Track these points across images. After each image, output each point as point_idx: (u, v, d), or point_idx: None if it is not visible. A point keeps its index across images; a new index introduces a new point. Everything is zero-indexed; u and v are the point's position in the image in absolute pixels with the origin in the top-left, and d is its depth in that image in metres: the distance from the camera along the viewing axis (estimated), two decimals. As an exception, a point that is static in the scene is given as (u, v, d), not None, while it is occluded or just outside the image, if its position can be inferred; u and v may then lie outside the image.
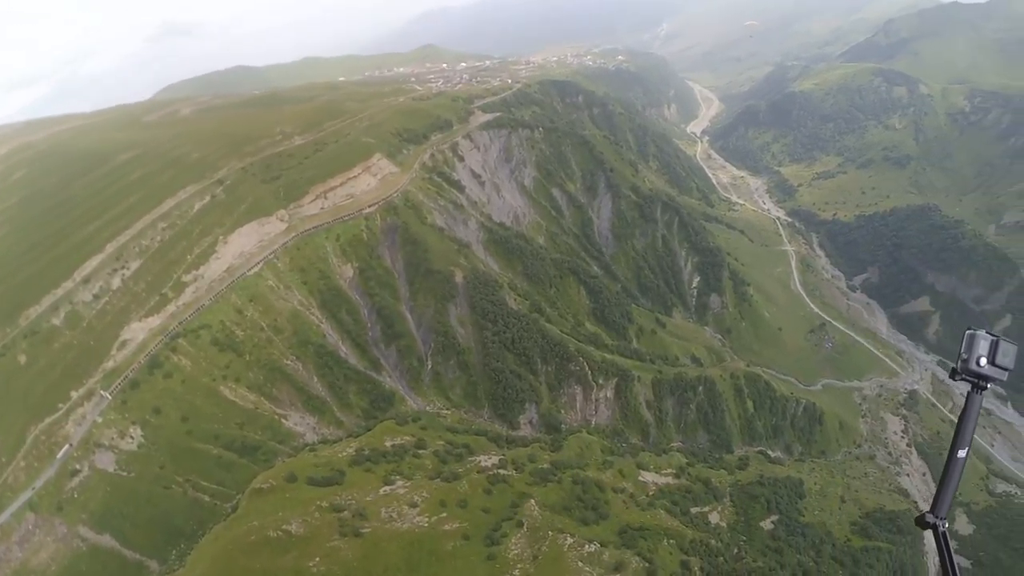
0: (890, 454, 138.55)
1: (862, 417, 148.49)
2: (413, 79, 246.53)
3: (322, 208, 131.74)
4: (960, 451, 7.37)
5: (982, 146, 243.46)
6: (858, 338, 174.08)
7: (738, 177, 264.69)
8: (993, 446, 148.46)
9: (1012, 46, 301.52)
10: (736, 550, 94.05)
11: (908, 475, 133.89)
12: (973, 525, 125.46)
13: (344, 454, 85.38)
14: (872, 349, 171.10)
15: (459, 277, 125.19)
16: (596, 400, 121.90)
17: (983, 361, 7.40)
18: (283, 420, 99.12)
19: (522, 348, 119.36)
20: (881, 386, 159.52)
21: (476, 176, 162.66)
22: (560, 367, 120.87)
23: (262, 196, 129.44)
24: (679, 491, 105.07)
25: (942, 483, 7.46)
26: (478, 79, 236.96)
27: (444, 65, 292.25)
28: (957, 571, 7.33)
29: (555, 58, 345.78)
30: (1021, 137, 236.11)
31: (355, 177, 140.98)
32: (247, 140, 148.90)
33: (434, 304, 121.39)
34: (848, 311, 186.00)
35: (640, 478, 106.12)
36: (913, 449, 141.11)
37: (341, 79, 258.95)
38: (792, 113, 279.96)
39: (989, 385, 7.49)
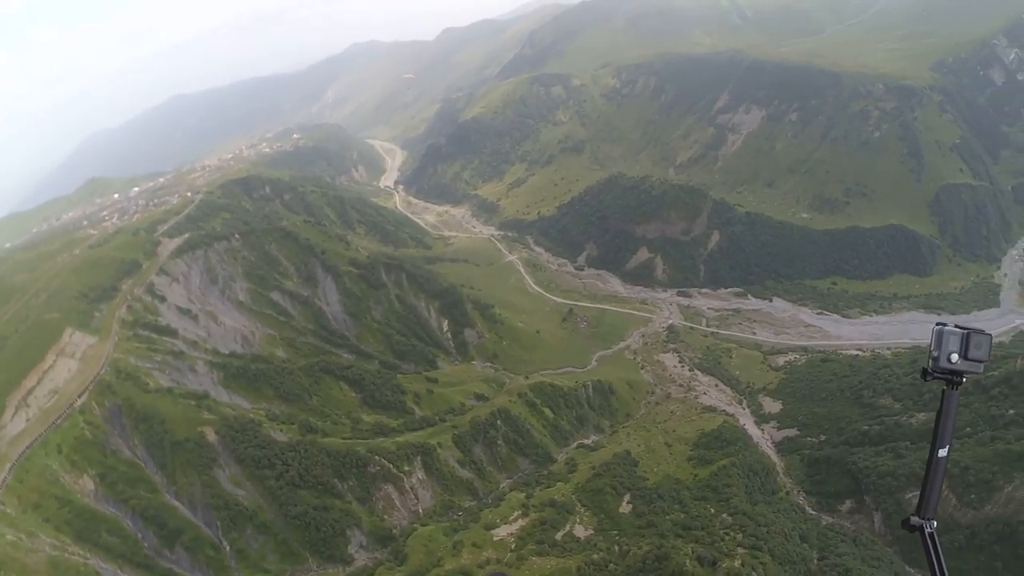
0: (681, 386, 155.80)
1: (642, 369, 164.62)
2: (85, 222, 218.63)
3: (27, 420, 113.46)
4: (940, 450, 7.58)
5: (640, 111, 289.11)
6: (604, 306, 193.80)
7: (443, 213, 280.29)
8: (755, 333, 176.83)
9: (640, 22, 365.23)
10: (617, 548, 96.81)
11: (705, 393, 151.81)
12: (779, 401, 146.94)
13: None
14: (620, 310, 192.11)
15: (211, 436, 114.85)
16: (411, 488, 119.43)
17: (955, 357, 7.50)
18: None
19: (312, 478, 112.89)
20: (643, 335, 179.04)
21: (186, 312, 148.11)
22: (360, 476, 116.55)
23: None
24: (535, 527, 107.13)
25: (925, 484, 7.72)
26: (155, 202, 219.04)
27: (116, 196, 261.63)
28: (944, 572, 7.61)
29: (231, 155, 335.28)
30: (668, 93, 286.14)
31: (51, 367, 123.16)
32: None
33: (198, 478, 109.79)
34: (585, 288, 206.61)
35: (495, 537, 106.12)
36: (696, 371, 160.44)
37: (7, 245, 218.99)
38: (471, 139, 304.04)
39: (964, 379, 7.61)
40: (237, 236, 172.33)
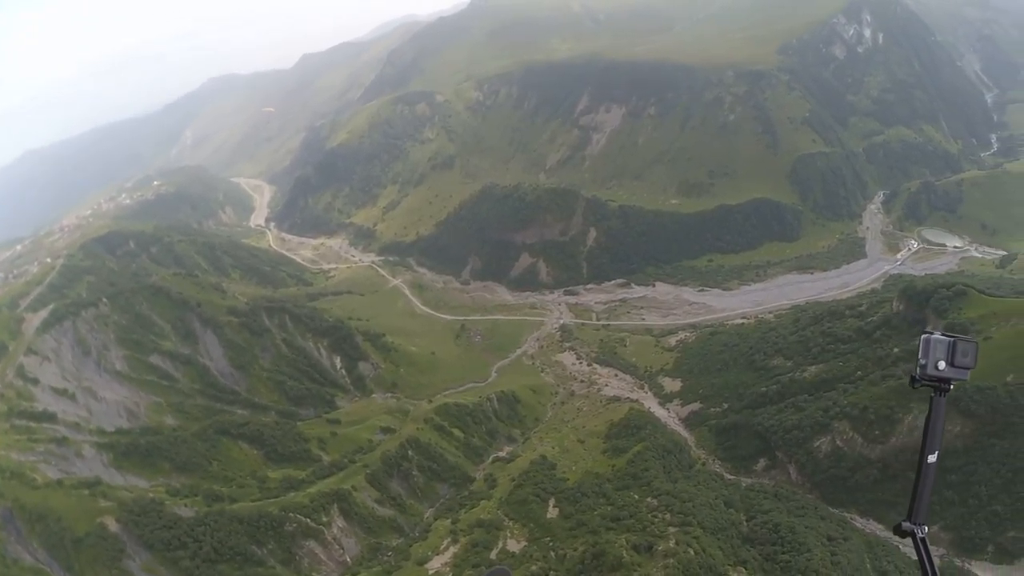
0: (582, 382, 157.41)
1: (542, 372, 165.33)
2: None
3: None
4: (930, 456, 7.64)
5: (505, 120, 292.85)
6: (496, 317, 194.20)
7: (319, 245, 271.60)
8: (644, 319, 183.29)
9: (498, 34, 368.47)
10: (553, 554, 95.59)
11: (606, 385, 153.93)
12: (678, 379, 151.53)
13: None
14: (511, 317, 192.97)
15: (112, 525, 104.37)
16: (334, 539, 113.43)
17: (942, 364, 7.57)
18: None
19: (228, 550, 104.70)
20: (538, 339, 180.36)
21: (62, 392, 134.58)
22: (279, 537, 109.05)
23: None
24: (468, 551, 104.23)
25: (916, 490, 7.71)
26: (14, 273, 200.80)
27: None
28: (936, 574, 7.63)
29: (89, 211, 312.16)
30: (531, 100, 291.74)
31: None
32: None
33: (108, 574, 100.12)
34: (474, 302, 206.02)
35: (430, 571, 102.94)
36: (594, 365, 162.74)
37: None
38: (339, 166, 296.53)
39: (952, 386, 7.67)
40: (105, 300, 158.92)
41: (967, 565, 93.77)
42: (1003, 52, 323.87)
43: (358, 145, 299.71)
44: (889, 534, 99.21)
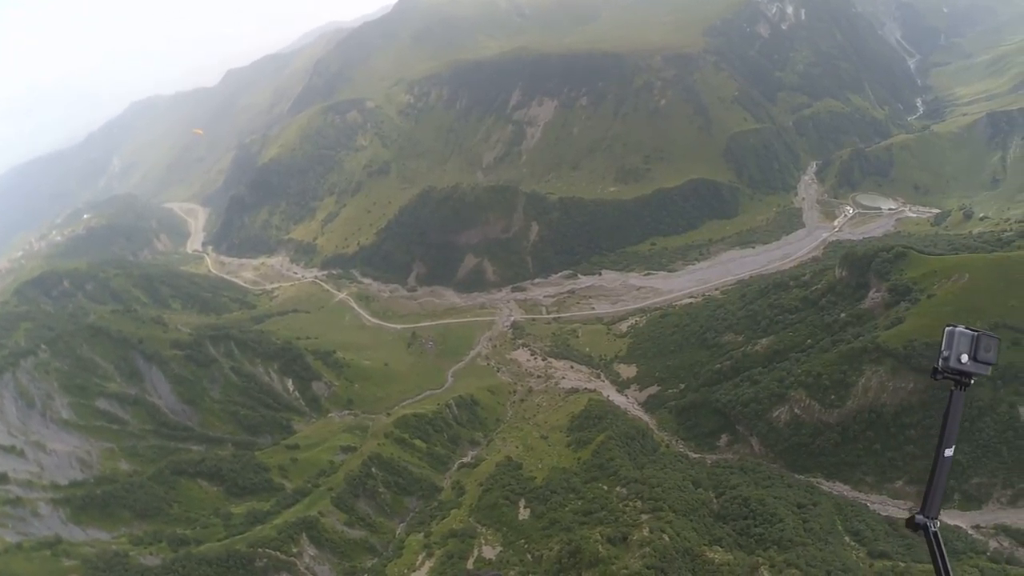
0: (539, 377, 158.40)
1: (498, 372, 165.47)
2: None
3: None
4: (947, 450, 7.66)
5: (438, 121, 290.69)
6: (446, 321, 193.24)
7: (260, 266, 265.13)
8: (594, 308, 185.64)
9: (425, 36, 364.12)
10: (529, 556, 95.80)
11: (563, 377, 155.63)
12: (633, 365, 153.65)
13: None
14: (461, 320, 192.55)
15: None
16: (307, 568, 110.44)
17: (964, 358, 7.64)
18: None
19: None
20: (490, 339, 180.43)
21: (10, 449, 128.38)
22: (250, 575, 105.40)
23: None
24: (444, 563, 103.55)
25: (930, 483, 7.72)
26: None
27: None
28: (949, 571, 7.65)
29: (20, 252, 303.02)
30: (463, 100, 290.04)
31: None
32: None
33: None
34: (423, 308, 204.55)
35: None
36: (549, 359, 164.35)
37: None
38: (273, 182, 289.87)
39: (972, 381, 7.75)
40: (44, 347, 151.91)
41: None
42: (923, 18, 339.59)
43: (290, 159, 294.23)
44: (857, 494, 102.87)
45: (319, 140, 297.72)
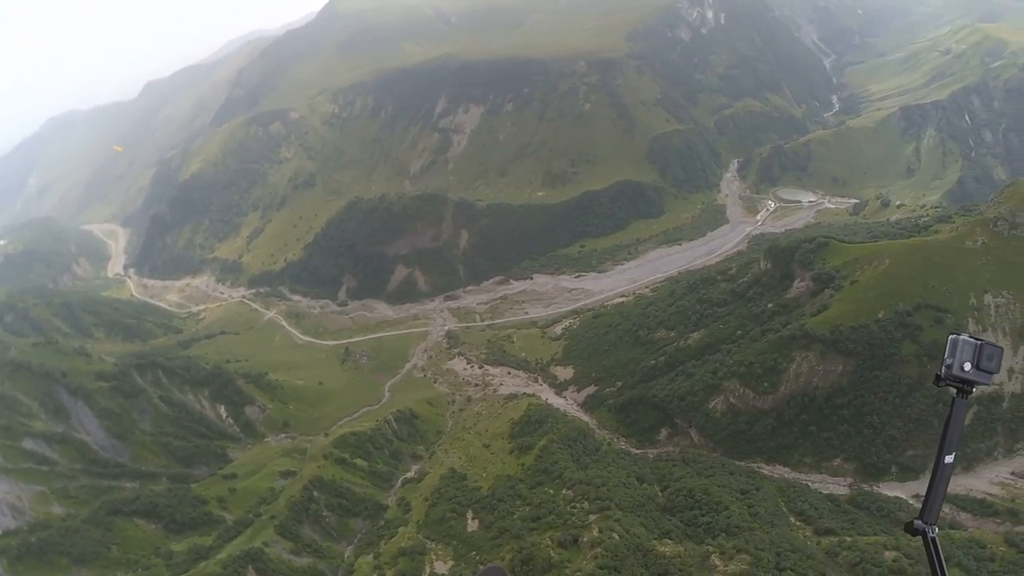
0: (477, 385, 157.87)
1: (435, 383, 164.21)
2: None
3: None
4: (947, 457, 7.76)
5: (363, 131, 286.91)
6: (379, 334, 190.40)
7: (184, 287, 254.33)
8: (527, 312, 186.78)
9: (350, 43, 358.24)
10: (482, 567, 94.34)
11: (501, 384, 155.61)
12: (569, 366, 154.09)
13: None
14: (395, 332, 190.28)
15: None
16: None
17: (968, 366, 7.75)
18: None
19: None
20: (425, 350, 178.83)
21: None
22: None
23: None
24: None
25: (930, 489, 7.81)
26: None
27: None
28: (945, 573, 7.75)
29: None
30: (389, 108, 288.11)
31: None
32: None
33: None
34: (355, 322, 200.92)
35: None
36: (486, 366, 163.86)
37: None
38: (195, 199, 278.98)
39: (974, 390, 7.88)
40: None
41: (876, 488, 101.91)
42: (838, 19, 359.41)
43: (213, 174, 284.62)
44: (798, 475, 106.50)
45: (242, 153, 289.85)
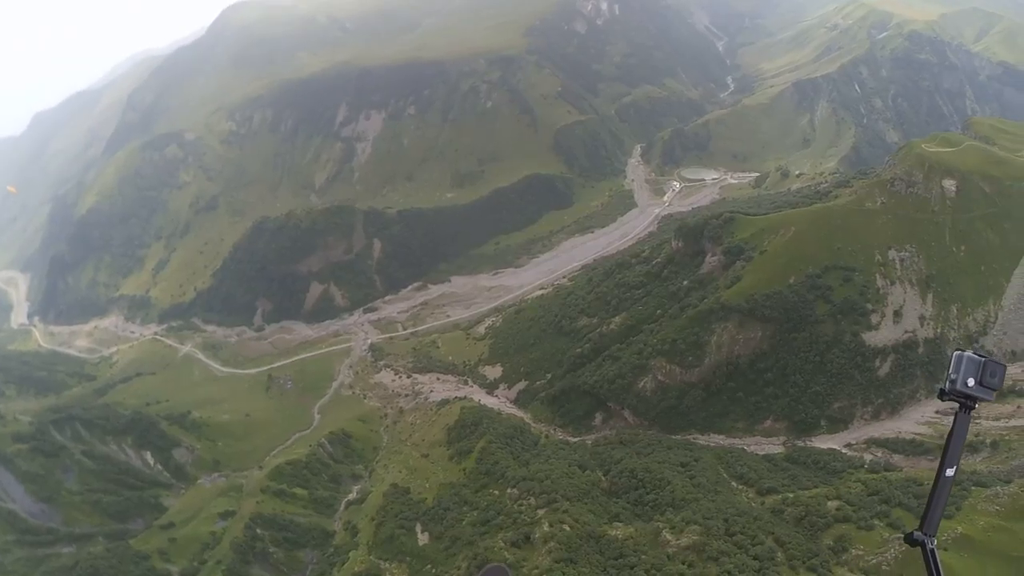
0: (407, 396, 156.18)
1: (365, 399, 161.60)
2: None
3: None
4: (949, 470, 7.91)
5: (264, 147, 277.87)
6: (301, 356, 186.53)
7: (93, 330, 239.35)
8: (449, 315, 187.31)
9: (244, 57, 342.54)
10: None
11: (432, 391, 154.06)
12: (497, 365, 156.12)
13: None
14: (317, 352, 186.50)
15: None
16: None
17: (971, 382, 7.93)
18: None
19: None
20: (350, 366, 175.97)
21: None
22: None
23: None
24: None
25: (931, 502, 7.92)
26: None
27: None
28: None
29: None
30: (288, 121, 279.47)
31: None
32: None
33: None
34: (274, 347, 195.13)
35: None
36: (414, 375, 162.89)
37: None
38: (93, 234, 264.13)
39: (976, 406, 8.08)
40: None
41: (809, 443, 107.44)
42: (727, 4, 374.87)
43: (110, 206, 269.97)
44: (733, 440, 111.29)
45: (139, 181, 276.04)
